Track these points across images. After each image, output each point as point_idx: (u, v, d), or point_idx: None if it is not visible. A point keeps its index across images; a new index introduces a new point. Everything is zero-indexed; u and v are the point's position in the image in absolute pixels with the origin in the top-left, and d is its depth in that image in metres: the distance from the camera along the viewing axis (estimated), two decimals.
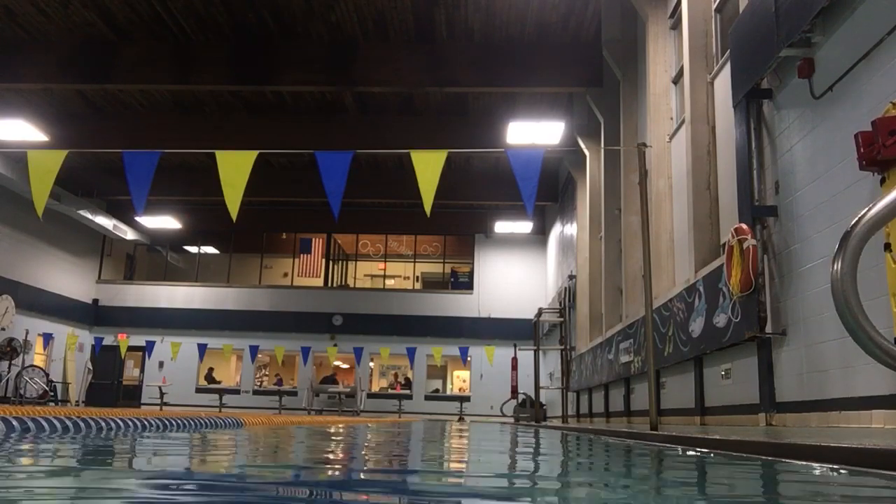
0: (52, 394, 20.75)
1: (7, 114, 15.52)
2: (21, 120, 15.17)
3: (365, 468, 2.81)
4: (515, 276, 25.05)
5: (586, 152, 15.68)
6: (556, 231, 22.09)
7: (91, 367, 23.93)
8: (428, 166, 6.09)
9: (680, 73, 10.19)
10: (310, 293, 25.38)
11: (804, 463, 2.80)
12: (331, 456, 3.46)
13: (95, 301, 25.18)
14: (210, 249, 27.04)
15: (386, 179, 21.21)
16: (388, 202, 23.51)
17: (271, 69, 14.55)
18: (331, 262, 26.40)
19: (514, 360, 20.76)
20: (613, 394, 13.51)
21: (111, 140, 17.66)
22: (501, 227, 23.19)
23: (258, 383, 25.76)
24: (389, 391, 24.90)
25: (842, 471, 2.46)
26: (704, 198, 8.67)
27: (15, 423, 4.36)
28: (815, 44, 5.75)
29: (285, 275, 26.92)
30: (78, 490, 1.85)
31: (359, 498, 1.82)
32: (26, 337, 20.00)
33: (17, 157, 17.72)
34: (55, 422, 4.75)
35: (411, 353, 21.80)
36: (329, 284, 26.18)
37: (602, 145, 14.42)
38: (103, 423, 5.21)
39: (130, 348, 23.02)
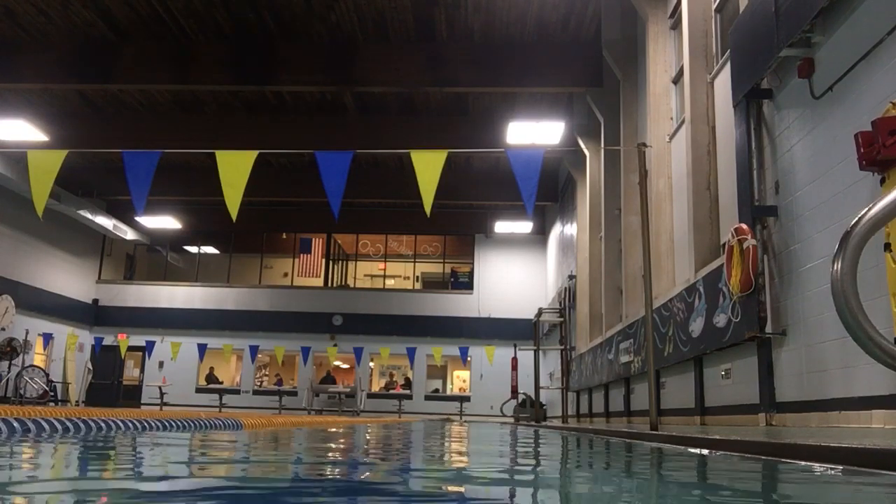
0: (52, 394, 20.75)
1: (7, 114, 15.52)
2: (21, 120, 15.17)
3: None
4: (515, 276, 25.05)
5: (586, 152, 15.68)
6: (556, 231, 22.09)
7: (91, 367, 23.93)
8: (428, 166, 6.09)
9: (680, 73, 10.19)
10: (310, 293, 25.38)
11: (804, 463, 2.80)
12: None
13: (95, 301, 25.18)
14: (210, 249, 27.04)
15: (386, 179, 21.20)
16: (388, 202, 23.50)
17: (271, 69, 14.54)
18: (331, 262, 26.40)
19: (514, 360, 20.76)
20: (613, 394, 13.50)
21: (111, 140, 17.66)
22: (501, 227, 23.18)
23: (258, 383, 25.76)
24: (389, 391, 24.88)
25: (842, 471, 2.46)
26: (704, 198, 8.67)
27: (16, 424, 4.36)
28: (815, 44, 5.75)
29: (285, 275, 26.92)
30: (78, 492, 1.85)
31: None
32: (26, 337, 19.99)
33: (17, 157, 17.72)
34: (55, 423, 4.74)
35: (411, 353, 21.80)
36: (329, 284, 26.18)
37: (602, 145, 14.42)
38: (103, 424, 5.21)
39: (130, 348, 23.02)
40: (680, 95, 10.28)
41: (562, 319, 17.98)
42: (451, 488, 2.12)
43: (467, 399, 23.46)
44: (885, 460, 2.40)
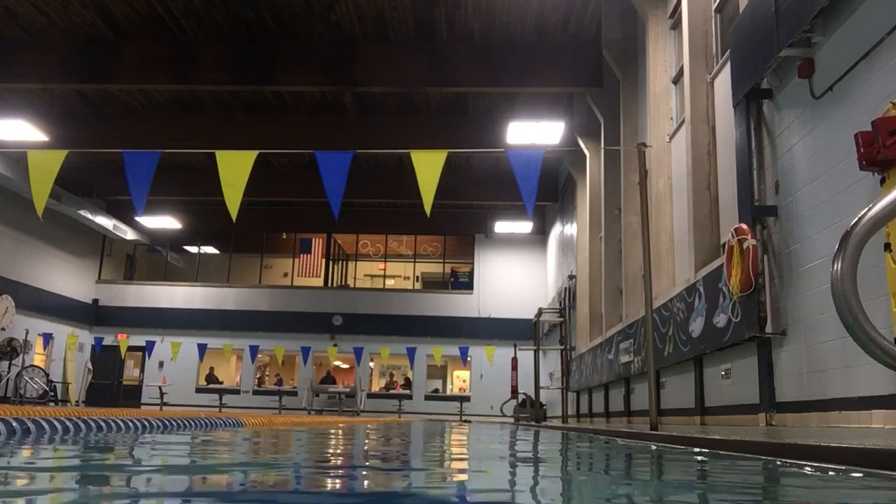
0: (52, 394, 20.75)
1: (7, 114, 15.52)
2: (21, 120, 15.17)
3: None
4: (515, 276, 25.05)
5: (586, 152, 15.68)
6: (556, 231, 22.09)
7: (91, 367, 23.93)
8: (428, 166, 6.09)
9: (680, 73, 10.19)
10: (310, 293, 25.37)
11: (804, 463, 2.80)
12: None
13: (95, 301, 25.18)
14: (210, 249, 27.04)
15: (386, 179, 21.20)
16: (388, 202, 23.51)
17: (271, 69, 14.54)
18: (331, 262, 26.40)
19: (514, 360, 20.76)
20: (613, 394, 13.51)
21: (111, 140, 17.66)
22: (501, 227, 23.18)
23: (258, 383, 25.76)
24: (389, 391, 24.88)
25: (842, 471, 2.46)
26: (704, 198, 8.67)
27: (15, 424, 4.36)
28: (815, 44, 5.75)
29: (285, 275, 26.92)
30: (77, 493, 1.85)
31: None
32: (26, 337, 19.99)
33: (17, 157, 17.72)
34: (56, 423, 4.75)
35: (411, 353, 21.80)
36: (329, 284, 26.18)
37: (602, 145, 14.42)
38: (103, 424, 5.21)
39: (130, 348, 23.02)
40: (680, 95, 10.28)
41: (562, 319, 17.99)
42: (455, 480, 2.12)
43: (467, 399, 23.46)
44: (885, 460, 2.40)
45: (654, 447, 4.58)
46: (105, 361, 23.93)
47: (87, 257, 24.73)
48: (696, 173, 8.75)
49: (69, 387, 23.13)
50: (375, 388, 25.71)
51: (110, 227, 22.91)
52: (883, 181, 4.39)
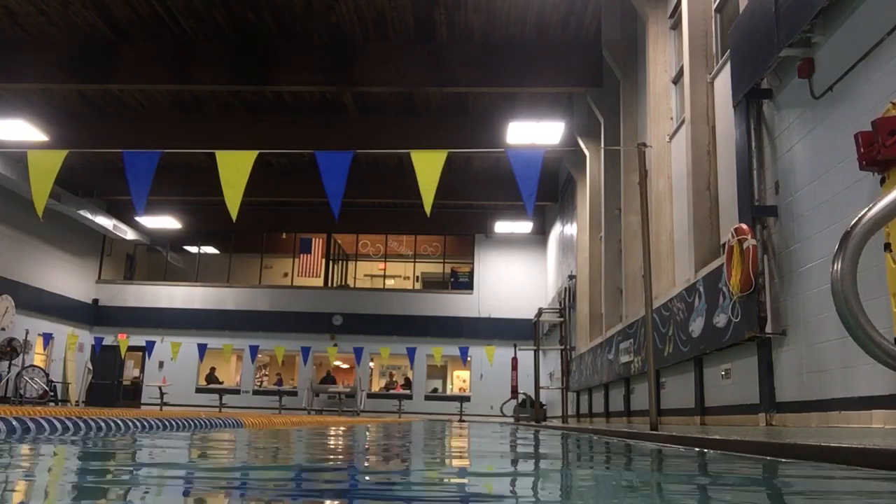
0: (52, 394, 20.75)
1: (7, 114, 15.52)
2: (21, 120, 15.16)
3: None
4: (515, 276, 25.05)
5: (586, 152, 15.68)
6: (556, 231, 22.09)
7: (91, 367, 23.93)
8: (428, 166, 6.09)
9: (680, 73, 10.19)
10: (310, 293, 25.38)
11: (804, 463, 2.80)
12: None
13: (95, 301, 25.18)
14: (210, 249, 27.04)
15: (386, 179, 21.21)
16: (388, 202, 23.52)
17: (271, 69, 14.54)
18: (331, 262, 26.40)
19: (514, 360, 20.76)
20: (613, 394, 13.51)
21: (111, 140, 17.66)
22: (501, 227, 23.19)
23: (258, 383, 25.76)
24: (389, 391, 24.88)
25: (842, 471, 2.46)
26: (704, 198, 8.67)
27: (15, 423, 4.36)
28: (815, 44, 5.75)
29: (285, 275, 26.92)
30: (77, 493, 1.85)
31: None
32: (26, 337, 19.99)
33: (17, 157, 17.72)
34: (55, 422, 4.75)
35: (411, 353, 21.80)
36: (329, 284, 26.18)
37: (602, 145, 14.42)
38: (103, 424, 5.21)
39: (130, 348, 23.02)
40: (680, 95, 10.28)
41: (562, 319, 17.98)
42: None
43: (467, 399, 23.46)
44: (885, 460, 2.40)
45: (653, 447, 4.58)
46: (105, 361, 23.94)
47: (87, 257, 24.73)
48: (696, 173, 8.75)
49: (69, 387, 23.13)
50: (375, 388, 25.71)
51: (110, 227, 22.92)
52: (883, 181, 4.39)
